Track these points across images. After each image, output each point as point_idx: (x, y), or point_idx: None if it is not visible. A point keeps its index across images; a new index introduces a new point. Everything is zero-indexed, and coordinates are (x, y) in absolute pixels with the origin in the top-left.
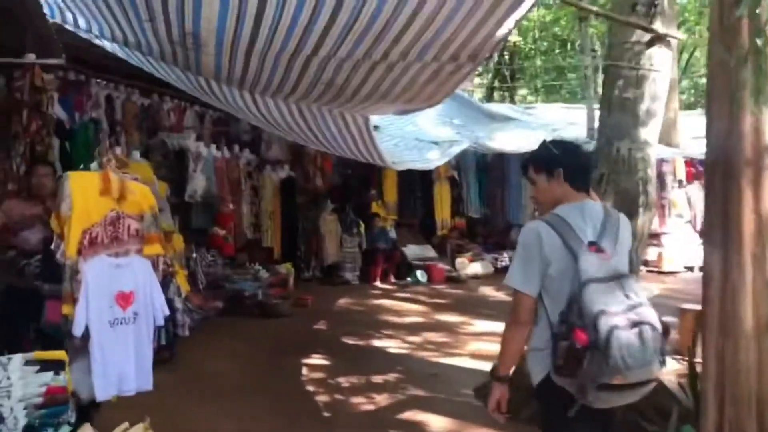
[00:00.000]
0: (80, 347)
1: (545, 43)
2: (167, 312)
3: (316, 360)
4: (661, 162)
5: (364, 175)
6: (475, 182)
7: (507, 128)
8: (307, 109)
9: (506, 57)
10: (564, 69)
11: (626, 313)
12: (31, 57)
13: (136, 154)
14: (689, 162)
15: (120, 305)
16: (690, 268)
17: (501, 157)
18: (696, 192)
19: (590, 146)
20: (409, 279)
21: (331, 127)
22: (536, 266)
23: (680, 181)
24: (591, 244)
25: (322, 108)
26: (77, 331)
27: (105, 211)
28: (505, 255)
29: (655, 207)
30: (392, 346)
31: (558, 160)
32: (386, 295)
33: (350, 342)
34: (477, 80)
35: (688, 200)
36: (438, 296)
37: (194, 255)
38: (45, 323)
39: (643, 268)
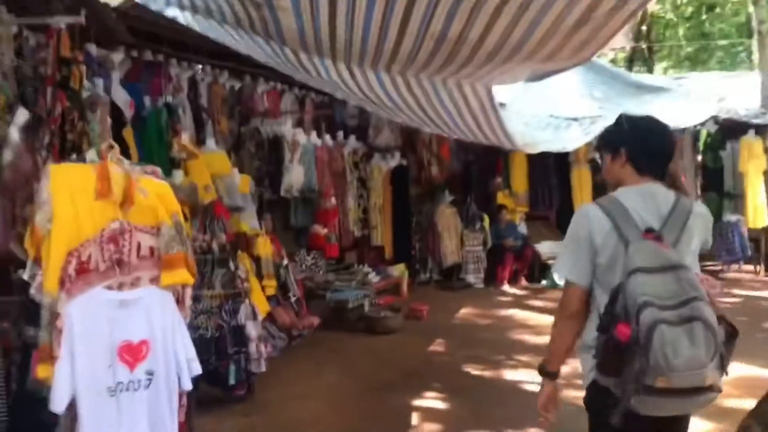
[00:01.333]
0: (68, 426)
1: (690, 8)
2: (198, 370)
3: (431, 401)
4: None
5: (488, 160)
6: None
7: (659, 100)
8: (416, 82)
9: (644, 28)
10: (711, 36)
11: (678, 308)
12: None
13: (211, 142)
14: None
15: (126, 362)
16: None
17: None
18: None
19: (766, 118)
20: (544, 282)
21: (447, 104)
22: (584, 253)
23: None
24: (648, 231)
25: (434, 78)
26: (58, 405)
27: (103, 221)
28: None
29: None
30: (531, 380)
31: (623, 138)
32: (518, 303)
33: (475, 372)
34: (611, 54)
35: None
36: None
37: (284, 262)
38: (31, 383)
39: None
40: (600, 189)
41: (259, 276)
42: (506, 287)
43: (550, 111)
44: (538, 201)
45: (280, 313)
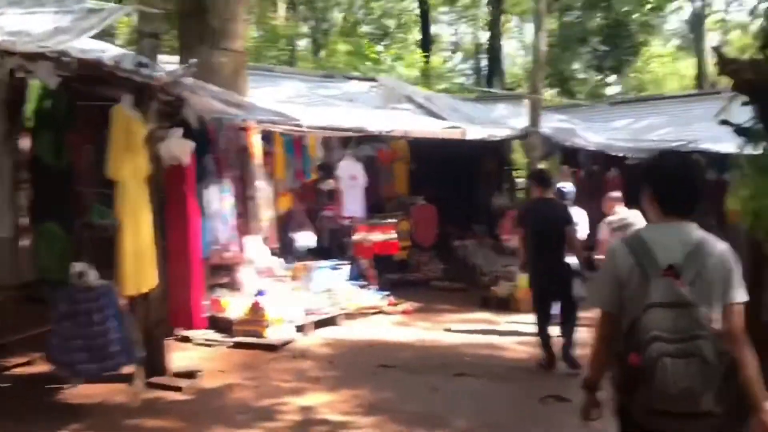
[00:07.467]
0: None
1: None
2: None
3: None
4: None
5: None
6: None
7: None
8: None
9: None
10: None
11: (682, 343)
12: None
13: None
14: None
15: None
16: (300, 328)
17: None
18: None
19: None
20: None
21: None
22: (609, 283)
23: None
24: (669, 267)
25: None
26: None
27: None
28: None
29: None
30: None
31: (650, 175)
32: None
33: None
34: None
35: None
36: None
37: None
38: None
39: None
40: None
41: None
42: None
43: None
44: None
45: None
